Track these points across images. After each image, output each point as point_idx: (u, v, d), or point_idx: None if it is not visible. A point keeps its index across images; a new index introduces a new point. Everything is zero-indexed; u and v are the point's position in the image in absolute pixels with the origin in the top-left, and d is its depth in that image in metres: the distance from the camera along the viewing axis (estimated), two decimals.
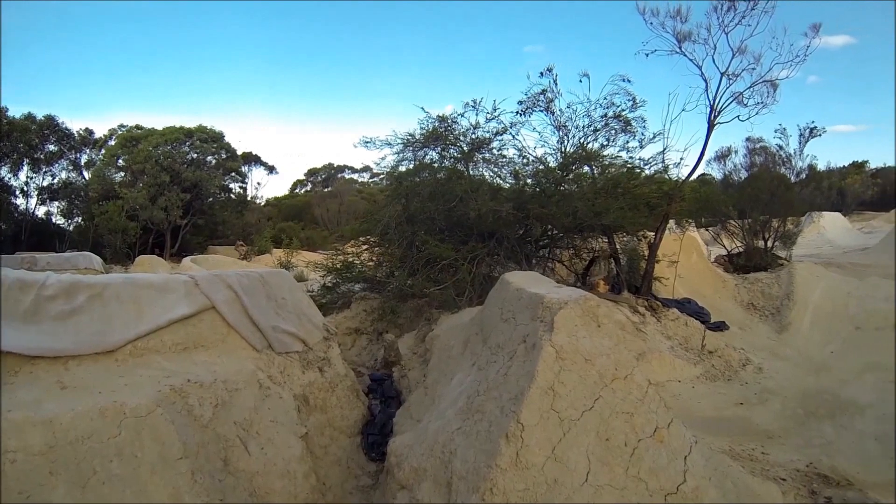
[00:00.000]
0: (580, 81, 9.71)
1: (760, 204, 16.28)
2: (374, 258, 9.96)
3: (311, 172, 57.20)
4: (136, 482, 3.27)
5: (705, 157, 10.03)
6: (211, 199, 34.33)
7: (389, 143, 9.87)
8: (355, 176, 52.78)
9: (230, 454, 3.96)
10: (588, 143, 9.92)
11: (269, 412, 4.45)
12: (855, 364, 8.77)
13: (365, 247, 10.26)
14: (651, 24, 9.88)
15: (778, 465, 5.07)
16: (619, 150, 10.12)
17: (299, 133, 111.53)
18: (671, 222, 11.82)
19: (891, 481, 5.25)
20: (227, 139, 35.09)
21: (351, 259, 9.88)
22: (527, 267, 8.81)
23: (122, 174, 31.18)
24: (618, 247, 10.06)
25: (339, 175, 54.50)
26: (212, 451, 3.84)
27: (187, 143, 32.75)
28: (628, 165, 10.00)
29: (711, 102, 10.02)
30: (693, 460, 3.65)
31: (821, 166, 47.82)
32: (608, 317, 4.08)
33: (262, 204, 46.41)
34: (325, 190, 51.78)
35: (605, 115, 9.77)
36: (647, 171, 10.06)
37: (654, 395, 3.77)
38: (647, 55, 10.00)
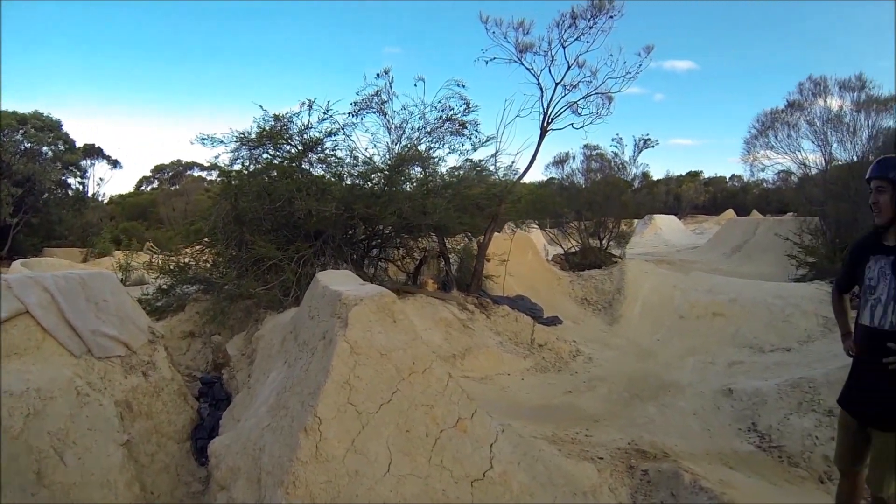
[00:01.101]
0: (415, 85, 9.85)
1: (596, 206, 17.10)
2: (208, 259, 9.50)
3: (158, 169, 52.79)
4: None
5: (539, 161, 10.45)
6: (46, 196, 30.49)
7: (223, 141, 9.47)
8: (204, 174, 49.58)
9: (44, 466, 3.67)
10: (421, 145, 9.97)
11: (87, 420, 4.10)
12: (678, 349, 9.38)
13: (198, 247, 9.77)
14: (493, 33, 10.23)
15: (600, 445, 5.14)
16: (450, 153, 10.28)
17: (147, 127, 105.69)
18: (511, 223, 12.19)
19: (706, 450, 5.55)
20: (65, 129, 31.58)
21: (187, 260, 9.37)
22: (349, 267, 8.69)
23: None
24: (448, 246, 10.15)
25: (188, 172, 51.05)
26: (23, 464, 3.57)
27: (20, 132, 28.90)
28: (478, 170, 10.16)
29: (545, 109, 10.48)
30: (500, 447, 3.71)
31: (661, 174, 52.30)
32: (404, 313, 4.03)
33: (105, 202, 42.49)
34: (173, 188, 48.61)
35: (440, 117, 9.90)
36: (475, 174, 10.26)
37: (454, 388, 3.79)
38: (486, 62, 10.36)
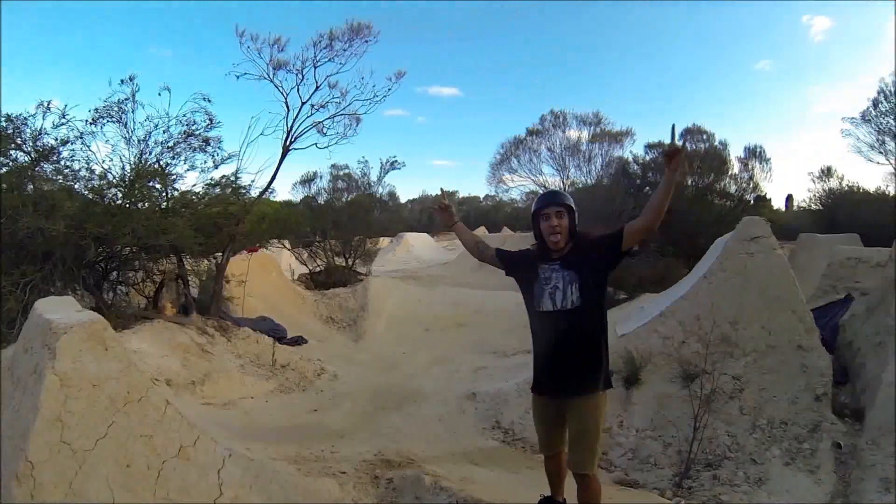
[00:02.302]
0: (159, 95, 9.19)
1: (341, 226, 17.34)
2: None
3: None
4: None
5: (287, 181, 10.40)
6: None
7: None
8: None
9: None
10: (163, 160, 9.35)
11: None
12: (424, 360, 9.76)
13: None
14: (248, 48, 10.10)
15: (345, 459, 5.12)
16: (189, 170, 9.75)
17: None
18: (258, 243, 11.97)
19: (451, 452, 5.87)
20: None
21: None
22: (80, 292, 7.92)
23: None
24: (189, 268, 9.68)
25: None
26: None
27: None
28: (218, 188, 9.75)
29: (289, 128, 10.51)
30: (228, 472, 3.66)
31: (417, 194, 54.38)
32: (116, 339, 3.78)
33: None
34: None
35: (185, 132, 9.40)
36: (215, 192, 9.87)
37: (174, 415, 3.66)
38: (237, 77, 10.25)
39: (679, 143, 3.13)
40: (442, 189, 3.98)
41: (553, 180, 23.21)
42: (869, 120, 20.42)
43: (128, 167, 8.94)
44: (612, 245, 3.30)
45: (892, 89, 19.46)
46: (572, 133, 22.93)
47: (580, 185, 21.80)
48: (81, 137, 8.68)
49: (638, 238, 3.29)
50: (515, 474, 5.22)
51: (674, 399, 6.24)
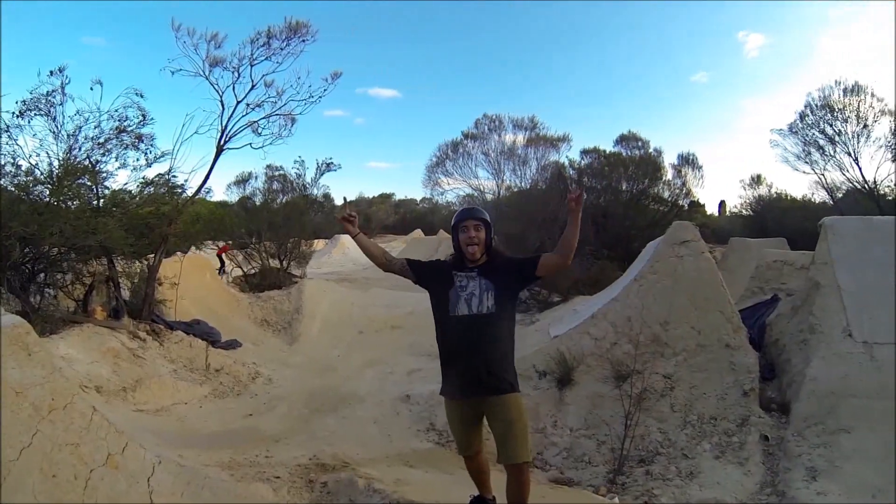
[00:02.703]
0: (91, 89, 8.93)
1: (276, 227, 17.17)
2: None
3: None
4: None
5: (222, 181, 10.15)
6: None
7: None
8: None
9: None
10: (93, 157, 9.02)
11: None
12: (358, 362, 9.82)
13: None
14: (184, 42, 9.86)
15: (280, 464, 5.10)
16: (121, 167, 9.46)
17: None
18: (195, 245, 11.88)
19: (386, 454, 5.89)
20: None
21: None
22: (5, 295, 7.60)
23: None
24: (118, 269, 9.41)
25: None
26: None
27: None
28: (150, 187, 9.54)
29: (223, 127, 10.29)
30: (158, 480, 3.61)
31: (353, 195, 53.99)
32: (40, 344, 3.65)
33: None
34: None
35: (117, 128, 9.11)
36: (148, 191, 9.62)
37: (100, 422, 3.57)
38: (172, 73, 9.99)
39: (576, 191, 3.40)
40: (345, 199, 4.01)
41: (488, 184, 23.52)
42: (796, 132, 21.14)
43: (56, 163, 8.62)
44: (527, 271, 3.54)
45: (819, 103, 20.27)
46: (508, 137, 23.26)
47: (515, 189, 22.11)
48: (8, 130, 8.36)
49: (551, 271, 3.56)
50: (449, 475, 5.26)
51: (606, 398, 6.41)
